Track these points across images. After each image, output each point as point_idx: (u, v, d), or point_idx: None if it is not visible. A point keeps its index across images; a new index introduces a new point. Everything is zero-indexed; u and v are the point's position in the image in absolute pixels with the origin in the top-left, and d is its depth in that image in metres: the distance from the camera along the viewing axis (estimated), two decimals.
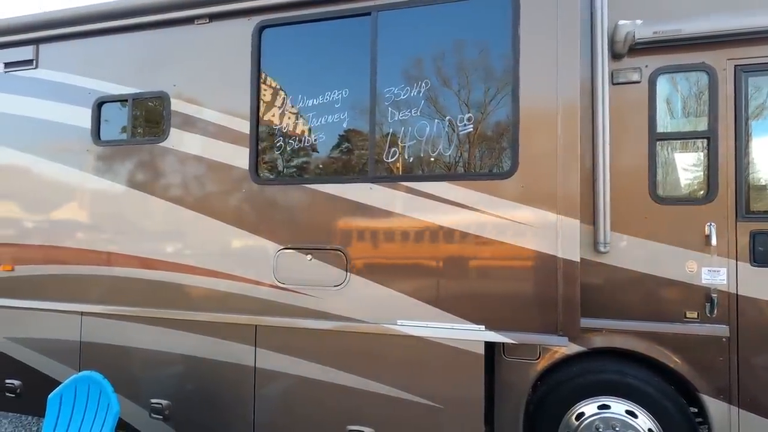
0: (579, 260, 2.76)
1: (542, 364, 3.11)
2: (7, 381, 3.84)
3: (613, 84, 3.09)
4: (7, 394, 3.83)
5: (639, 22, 2.99)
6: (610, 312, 3.03)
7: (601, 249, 3.03)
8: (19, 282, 3.85)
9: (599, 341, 3.05)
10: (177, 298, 3.47)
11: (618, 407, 2.98)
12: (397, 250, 3.05)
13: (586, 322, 2.90)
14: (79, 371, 3.63)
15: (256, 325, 3.28)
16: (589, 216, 3.03)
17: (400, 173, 3.09)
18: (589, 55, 3.05)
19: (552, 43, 2.82)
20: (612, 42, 3.06)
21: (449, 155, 3.01)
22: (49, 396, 2.99)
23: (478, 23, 3.00)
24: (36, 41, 3.89)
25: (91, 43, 3.77)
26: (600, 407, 3.02)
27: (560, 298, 2.77)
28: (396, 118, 3.07)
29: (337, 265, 3.13)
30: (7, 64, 3.94)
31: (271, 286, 3.24)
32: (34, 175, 3.88)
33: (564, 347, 2.90)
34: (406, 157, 3.07)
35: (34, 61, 3.89)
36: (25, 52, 3.90)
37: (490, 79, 2.96)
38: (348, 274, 3.11)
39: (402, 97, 3.06)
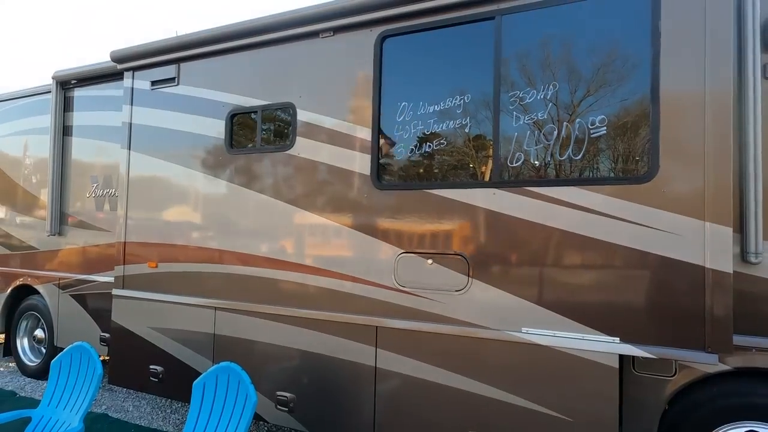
0: (732, 272, 2.53)
1: (678, 381, 2.89)
2: (151, 366, 4.26)
3: (765, 78, 2.82)
4: (151, 378, 4.26)
5: None
6: (759, 329, 2.75)
7: (752, 260, 2.76)
8: (162, 278, 4.27)
9: (748, 360, 2.77)
10: (299, 296, 3.64)
11: None
12: (523, 256, 2.98)
13: (735, 340, 2.64)
14: (213, 361, 3.96)
15: (376, 326, 3.36)
16: (736, 223, 2.76)
17: (526, 178, 3.01)
18: (736, 48, 2.80)
19: (698, 36, 2.61)
20: (765, 33, 2.79)
21: (579, 159, 2.89)
22: (194, 383, 3.26)
23: (610, 21, 2.86)
24: (177, 60, 4.32)
25: (224, 60, 4.10)
26: None
27: (708, 313, 2.55)
28: (521, 122, 3.00)
29: (458, 270, 3.13)
30: (153, 83, 4.41)
31: (392, 288, 3.31)
32: (175, 181, 4.29)
33: (713, 365, 2.66)
34: (532, 161, 3.00)
35: (176, 79, 4.31)
36: (169, 71, 4.34)
37: (625, 78, 2.79)
38: (470, 279, 3.09)
39: (528, 100, 2.99)
